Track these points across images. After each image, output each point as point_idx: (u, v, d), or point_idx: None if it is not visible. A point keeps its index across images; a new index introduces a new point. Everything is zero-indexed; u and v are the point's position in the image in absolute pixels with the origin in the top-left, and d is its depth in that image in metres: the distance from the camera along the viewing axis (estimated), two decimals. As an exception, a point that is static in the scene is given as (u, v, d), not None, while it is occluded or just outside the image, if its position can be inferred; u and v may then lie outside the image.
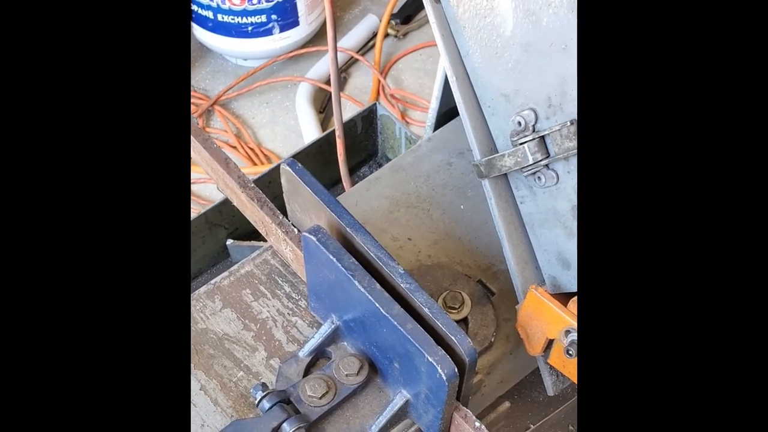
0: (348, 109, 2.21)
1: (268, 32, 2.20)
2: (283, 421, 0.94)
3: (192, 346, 1.06)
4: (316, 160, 1.63)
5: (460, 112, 0.99)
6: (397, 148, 1.72)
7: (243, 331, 1.08)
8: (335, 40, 1.29)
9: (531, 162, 0.92)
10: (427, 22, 2.63)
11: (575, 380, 0.98)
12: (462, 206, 1.22)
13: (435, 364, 0.86)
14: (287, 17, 2.19)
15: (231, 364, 1.05)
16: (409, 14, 2.43)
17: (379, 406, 0.99)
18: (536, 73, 0.89)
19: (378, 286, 0.91)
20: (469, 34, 0.94)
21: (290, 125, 2.20)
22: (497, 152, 0.98)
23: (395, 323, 0.89)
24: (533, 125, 0.91)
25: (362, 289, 0.91)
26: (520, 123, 0.93)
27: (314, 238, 0.94)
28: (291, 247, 1.07)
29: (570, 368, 0.96)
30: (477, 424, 0.94)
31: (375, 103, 1.70)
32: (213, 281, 1.12)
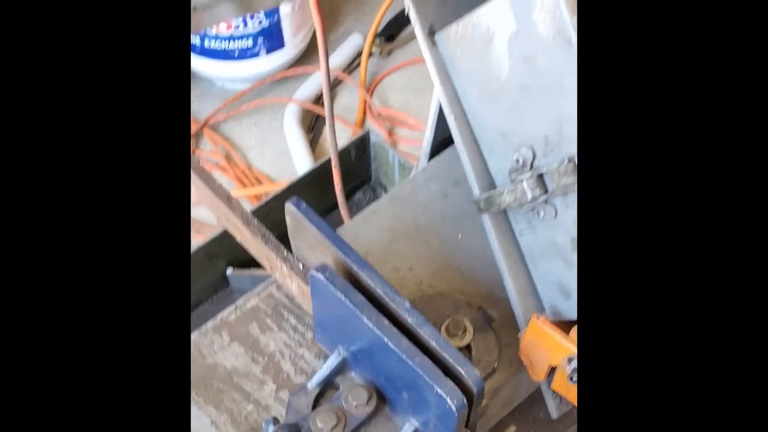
0: (336, 129, 2.24)
1: (255, 55, 2.24)
2: (295, 454, 0.98)
3: (201, 381, 1.08)
4: (311, 189, 1.66)
5: (458, 150, 1.02)
6: (391, 174, 1.76)
7: (251, 364, 1.10)
8: (328, 76, 1.33)
9: (530, 198, 0.95)
10: (411, 39, 2.66)
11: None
12: (459, 236, 1.26)
13: (444, 395, 0.89)
14: (273, 40, 2.23)
15: (240, 398, 1.07)
16: (392, 33, 2.47)
17: (392, 434, 1.02)
18: (533, 114, 0.93)
19: (386, 321, 0.94)
20: (466, 76, 0.98)
21: (279, 146, 2.23)
22: (496, 188, 1.01)
23: (404, 357, 0.92)
24: (531, 162, 0.95)
25: (371, 325, 0.94)
26: (518, 161, 0.96)
27: (322, 277, 0.97)
28: (297, 282, 1.10)
29: (573, 393, 0.99)
30: (486, 451, 0.98)
31: (368, 131, 1.73)
32: (219, 316, 1.15)
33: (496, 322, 1.18)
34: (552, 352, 0.99)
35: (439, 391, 0.90)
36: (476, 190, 1.02)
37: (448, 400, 0.89)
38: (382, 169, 1.78)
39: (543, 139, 0.93)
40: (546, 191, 0.94)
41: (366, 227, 1.29)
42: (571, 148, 0.90)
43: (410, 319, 0.95)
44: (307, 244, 1.08)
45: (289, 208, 1.05)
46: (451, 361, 0.92)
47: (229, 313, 1.15)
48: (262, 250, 1.13)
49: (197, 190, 1.17)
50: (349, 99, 2.32)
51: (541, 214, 0.97)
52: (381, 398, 1.04)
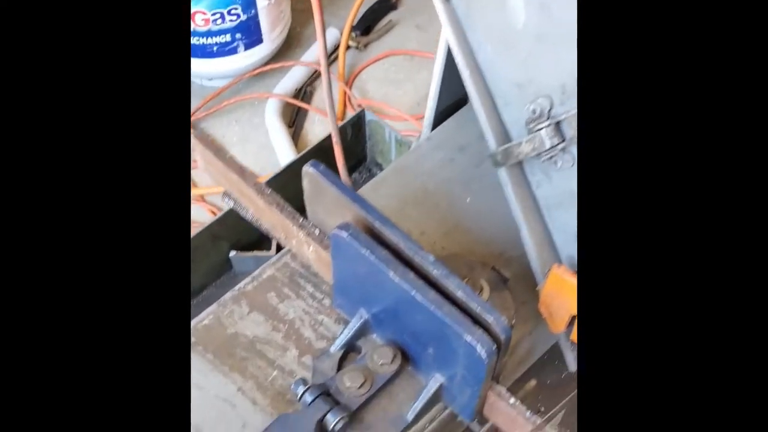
0: (316, 122, 2.25)
1: (233, 51, 2.24)
2: (327, 413, 0.97)
3: (225, 350, 1.08)
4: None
5: (473, 105, 1.03)
6: (387, 152, 1.76)
7: (272, 332, 1.10)
8: (325, 50, 1.33)
9: (548, 147, 0.96)
10: (388, 31, 2.68)
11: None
12: (468, 199, 1.27)
13: (474, 343, 0.90)
14: (251, 35, 2.22)
15: (265, 365, 1.07)
16: (368, 25, 2.48)
17: (414, 392, 1.02)
18: (550, 63, 0.94)
19: (412, 274, 0.95)
20: (481, 29, 0.99)
21: (261, 142, 2.23)
22: (512, 141, 1.02)
23: (432, 308, 0.92)
24: (548, 112, 0.96)
25: (397, 279, 0.94)
26: (534, 111, 0.97)
27: (345, 234, 0.97)
28: (314, 247, 1.10)
29: (595, 342, 1.00)
30: (512, 400, 0.98)
31: (363, 110, 1.74)
32: (237, 287, 1.15)
33: (509, 281, 1.19)
34: (572, 301, 1.00)
35: (468, 338, 0.90)
36: (492, 144, 1.03)
37: (478, 348, 0.90)
38: (378, 147, 1.79)
39: (560, 88, 0.94)
40: (563, 139, 0.96)
41: (374, 195, 1.29)
42: (588, 93, 0.92)
43: (435, 271, 0.95)
44: (324, 208, 1.08)
45: (307, 170, 1.05)
46: (478, 309, 0.93)
47: (246, 284, 1.15)
48: (277, 219, 1.13)
49: (208, 164, 1.17)
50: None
51: (559, 163, 0.98)
52: (405, 357, 1.04)
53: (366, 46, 2.46)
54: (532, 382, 1.10)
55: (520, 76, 0.98)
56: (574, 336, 1.03)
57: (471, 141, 1.33)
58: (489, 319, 0.92)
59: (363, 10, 2.49)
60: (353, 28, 2.40)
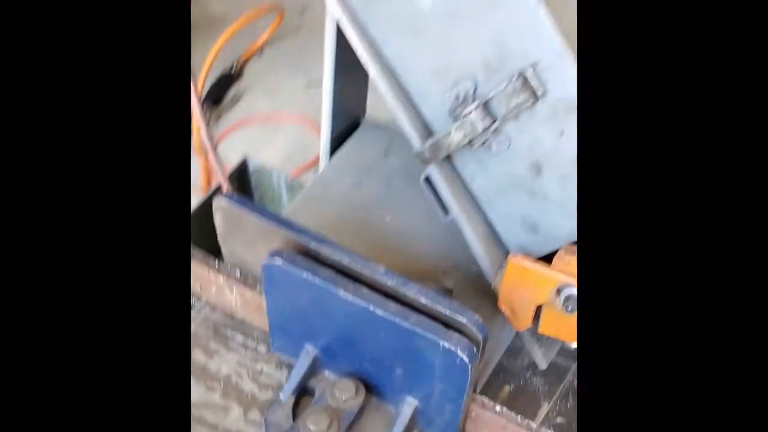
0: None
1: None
2: (297, 467, 0.85)
3: (157, 425, 0.93)
4: (199, 230, 1.51)
5: (389, 106, 0.95)
6: (278, 200, 1.65)
7: (208, 393, 0.96)
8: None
9: (481, 130, 0.90)
10: (240, 99, 2.60)
11: (573, 339, 0.95)
12: (388, 218, 1.18)
13: (453, 348, 0.81)
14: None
15: (207, 431, 0.93)
16: (217, 96, 2.40)
17: (387, 423, 0.91)
18: (466, 40, 0.88)
19: (365, 289, 0.85)
20: (384, 19, 0.92)
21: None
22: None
23: (397, 320, 0.83)
24: (474, 93, 0.90)
25: (350, 297, 0.84)
26: (458, 96, 0.91)
27: (280, 260, 0.86)
28: (239, 290, 0.98)
29: (565, 329, 0.93)
30: (498, 408, 0.89)
31: (245, 158, 1.62)
32: (154, 354, 1.00)
33: (453, 292, 1.11)
34: (537, 289, 0.92)
35: (446, 345, 0.81)
36: (416, 143, 0.95)
37: (458, 352, 0.81)
38: (267, 196, 1.67)
39: (482, 64, 0.88)
40: (495, 119, 0.89)
41: (287, 231, 1.18)
42: (516, 62, 0.86)
43: (390, 281, 0.86)
44: (244, 244, 0.96)
45: (220, 203, 0.94)
46: (448, 312, 0.84)
47: (165, 348, 1.00)
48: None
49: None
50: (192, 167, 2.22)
51: (494, 147, 0.92)
52: (367, 389, 0.93)
53: (219, 117, 2.37)
54: (506, 389, 1.01)
55: (435, 61, 0.91)
56: (542, 328, 0.95)
57: (374, 160, 1.25)
58: (462, 320, 0.83)
59: (210, 81, 2.40)
60: (203, 102, 2.30)
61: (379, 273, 0.86)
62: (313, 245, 0.88)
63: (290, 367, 0.96)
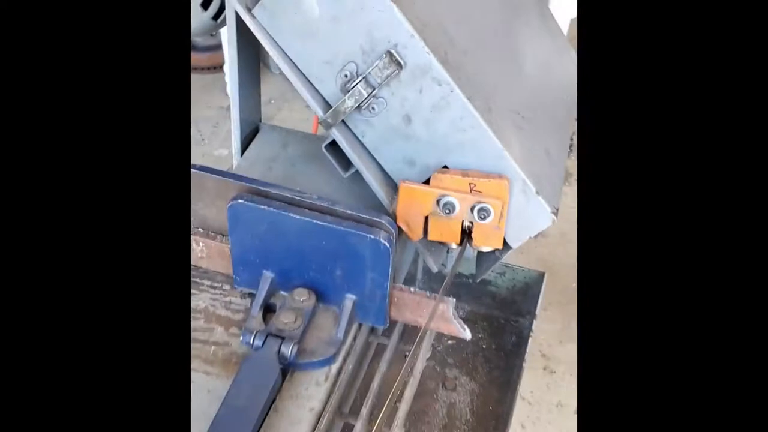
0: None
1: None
2: (280, 345, 1.17)
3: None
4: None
5: (298, 91, 1.31)
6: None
7: (194, 321, 1.26)
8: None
9: (365, 96, 1.27)
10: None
11: (455, 241, 1.32)
12: (297, 189, 1.52)
13: (377, 237, 1.16)
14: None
15: (201, 345, 1.23)
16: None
17: (335, 317, 1.25)
18: (347, 34, 1.25)
19: (308, 210, 1.19)
20: (287, 30, 1.28)
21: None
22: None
23: (335, 225, 1.17)
24: (356, 72, 1.27)
25: (298, 216, 1.18)
26: (346, 75, 1.28)
27: (243, 200, 1.19)
28: (202, 243, 1.30)
29: (448, 232, 1.30)
30: (413, 289, 1.25)
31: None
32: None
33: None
34: (422, 203, 1.29)
35: (371, 236, 1.16)
36: (320, 113, 1.31)
37: (382, 240, 1.16)
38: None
39: (359, 51, 1.26)
40: (374, 88, 1.27)
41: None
42: (383, 46, 1.24)
43: (324, 204, 1.21)
44: (206, 202, 1.28)
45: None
46: (368, 217, 1.19)
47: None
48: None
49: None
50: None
51: (376, 108, 1.29)
52: (315, 297, 1.26)
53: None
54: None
55: (326, 54, 1.28)
56: (431, 235, 1.32)
57: (277, 152, 1.59)
58: (381, 220, 1.19)
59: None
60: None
61: (314, 199, 1.21)
62: (263, 188, 1.22)
63: (252, 296, 1.28)
